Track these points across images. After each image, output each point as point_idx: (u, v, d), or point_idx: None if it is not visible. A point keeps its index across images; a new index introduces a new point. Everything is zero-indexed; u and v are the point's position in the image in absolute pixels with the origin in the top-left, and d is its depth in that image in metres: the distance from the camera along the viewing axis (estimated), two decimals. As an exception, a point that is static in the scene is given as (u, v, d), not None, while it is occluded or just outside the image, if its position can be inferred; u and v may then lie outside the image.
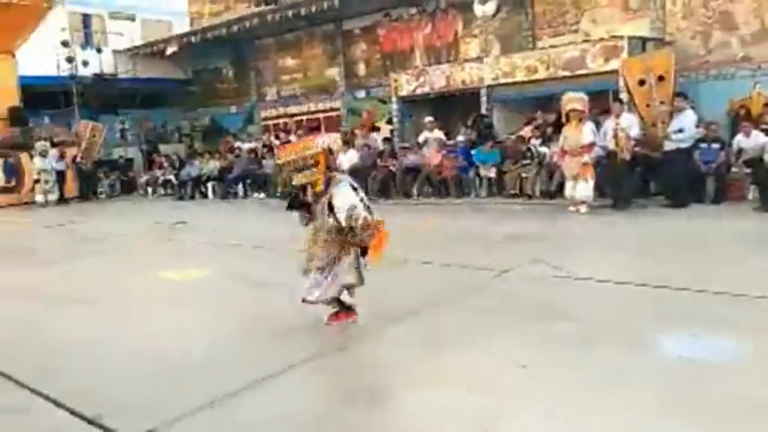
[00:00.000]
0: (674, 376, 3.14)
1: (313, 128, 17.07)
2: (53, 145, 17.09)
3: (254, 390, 3.32)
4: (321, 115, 17.57)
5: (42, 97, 18.10)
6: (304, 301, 4.31)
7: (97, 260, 7.89)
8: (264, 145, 16.57)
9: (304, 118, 17.60)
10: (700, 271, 5.18)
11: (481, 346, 3.79)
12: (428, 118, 12.82)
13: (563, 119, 9.00)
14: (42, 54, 17.29)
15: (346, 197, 4.08)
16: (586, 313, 4.29)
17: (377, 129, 14.87)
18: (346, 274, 4.21)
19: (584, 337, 3.78)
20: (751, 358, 3.36)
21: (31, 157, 16.29)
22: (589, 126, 8.77)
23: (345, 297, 4.33)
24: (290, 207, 4.34)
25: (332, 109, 17.30)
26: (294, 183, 4.16)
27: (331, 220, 4.09)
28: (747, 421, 2.67)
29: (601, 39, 11.28)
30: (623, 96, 9.73)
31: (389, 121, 14.75)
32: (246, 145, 16.85)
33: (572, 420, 2.77)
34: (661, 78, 9.24)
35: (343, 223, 4.03)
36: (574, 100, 8.77)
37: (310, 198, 4.21)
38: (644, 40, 10.99)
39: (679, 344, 3.58)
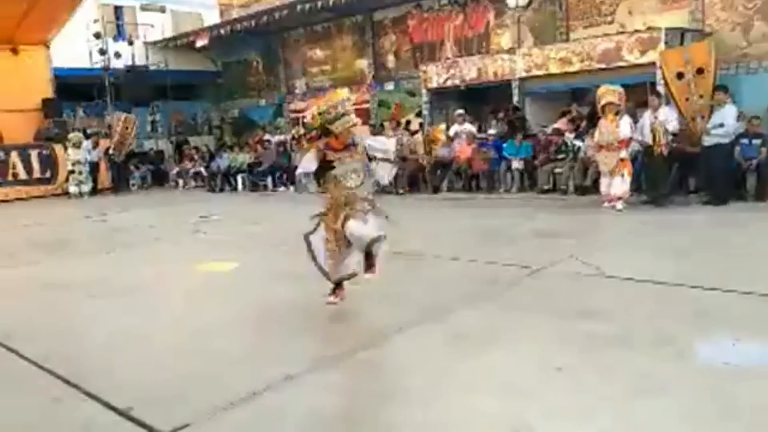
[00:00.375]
0: (715, 384, 3.01)
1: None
2: (87, 136, 17.36)
3: (285, 386, 3.29)
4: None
5: (75, 89, 18.38)
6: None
7: (130, 252, 7.97)
8: (293, 138, 16.57)
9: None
10: (740, 271, 5.00)
11: (513, 346, 3.70)
12: (458, 111, 12.67)
13: (599, 112, 8.79)
14: (75, 46, 17.54)
15: (379, 140, 4.44)
16: (621, 314, 4.16)
17: (408, 122, 14.75)
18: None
19: (621, 339, 3.66)
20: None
21: (66, 148, 16.55)
22: (626, 120, 8.55)
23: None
24: (317, 175, 4.34)
25: (361, 102, 17.22)
26: (336, 128, 4.18)
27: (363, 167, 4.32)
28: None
29: (638, 30, 10.99)
30: (661, 89, 9.47)
31: (419, 114, 14.63)
32: (275, 138, 16.89)
33: (609, 426, 2.68)
34: (700, 71, 8.95)
35: (392, 156, 4.39)
36: (609, 93, 8.56)
37: (335, 156, 4.28)
38: (683, 32, 10.68)
39: (719, 349, 3.44)
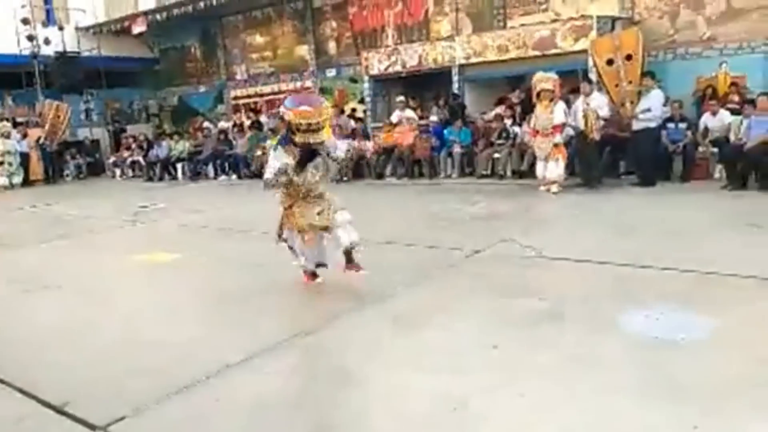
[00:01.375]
0: (644, 356, 3.20)
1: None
2: (16, 125, 16.62)
3: (227, 373, 3.31)
4: (284, 96, 17.29)
5: (3, 77, 17.48)
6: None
7: (65, 244, 7.74)
8: (234, 125, 16.35)
9: (275, 97, 17.36)
10: (668, 249, 5.27)
11: (452, 326, 3.82)
12: (399, 98, 12.76)
13: (534, 99, 9.04)
14: (1, 32, 16.69)
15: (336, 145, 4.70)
16: (556, 293, 4.35)
17: (353, 110, 14.74)
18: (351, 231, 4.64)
19: (555, 317, 3.83)
20: (720, 336, 3.42)
21: (-7, 138, 15.81)
22: (560, 106, 8.83)
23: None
24: (303, 163, 4.46)
25: (303, 88, 17.08)
26: (312, 142, 4.35)
27: (326, 168, 4.62)
28: (720, 399, 2.71)
29: (571, 18, 11.30)
30: (592, 76, 9.79)
31: (361, 101, 14.65)
32: (219, 125, 16.61)
33: (544, 400, 2.82)
34: (629, 57, 9.31)
35: (342, 156, 4.69)
36: (544, 80, 8.81)
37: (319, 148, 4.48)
38: (613, 20, 11.04)
39: (648, 323, 3.63)
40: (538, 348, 3.39)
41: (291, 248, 4.86)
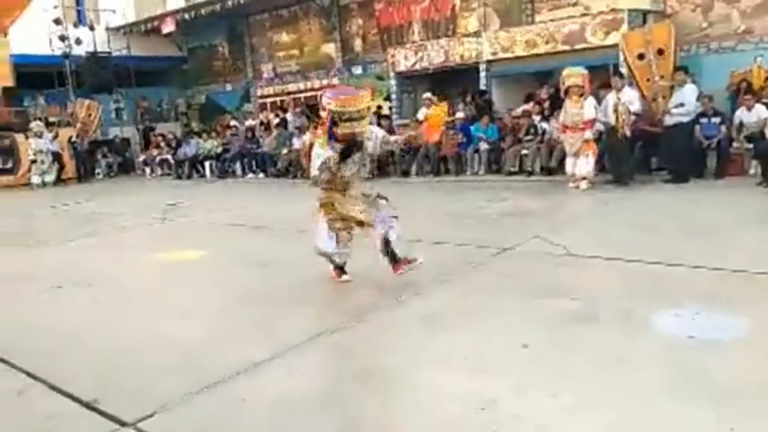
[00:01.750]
0: (679, 356, 3.10)
1: (311, 106, 16.94)
2: (48, 125, 16.96)
3: (255, 371, 3.30)
4: (318, 93, 17.38)
5: (36, 77, 17.87)
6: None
7: (95, 242, 7.84)
8: (261, 123, 16.44)
9: (302, 96, 17.42)
10: (702, 247, 5.14)
11: (482, 325, 3.76)
12: (426, 95, 12.66)
13: (563, 94, 8.90)
14: (34, 32, 17.01)
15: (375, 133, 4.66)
16: (587, 291, 4.25)
17: (379, 107, 14.71)
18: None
19: (586, 316, 3.75)
20: (755, 336, 3.32)
21: (27, 138, 16.15)
22: (590, 101, 8.67)
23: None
24: (346, 154, 4.44)
25: (329, 86, 17.10)
26: (357, 131, 4.35)
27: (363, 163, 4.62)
28: (757, 400, 2.63)
29: (601, 12, 11.11)
30: (623, 70, 9.61)
31: (387, 98, 14.60)
32: (244, 124, 16.72)
33: (576, 401, 2.74)
34: (660, 52, 9.13)
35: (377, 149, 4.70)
36: (574, 75, 8.67)
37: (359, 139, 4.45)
38: (644, 13, 10.83)
39: (682, 323, 3.53)
40: (570, 348, 3.32)
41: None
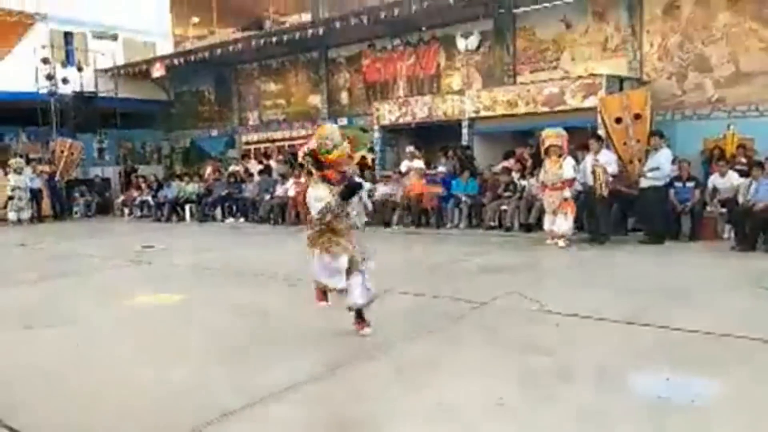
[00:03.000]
0: (650, 417, 3.12)
1: (294, 154, 17.08)
2: (29, 162, 16.85)
3: (225, 422, 3.23)
4: (302, 141, 17.56)
5: (20, 114, 17.84)
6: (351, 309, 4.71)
7: (69, 282, 7.71)
8: (245, 170, 16.51)
9: (286, 144, 17.59)
10: (675, 308, 5.21)
11: (458, 379, 3.75)
12: (409, 148, 12.89)
13: (543, 154, 9.11)
14: (21, 69, 17.09)
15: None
16: (561, 348, 4.27)
17: (363, 158, 14.91)
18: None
19: (562, 374, 3.75)
20: (729, 399, 3.35)
21: (6, 174, 16.00)
22: (569, 161, 8.88)
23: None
24: (346, 195, 4.45)
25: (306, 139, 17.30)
26: (331, 158, 4.41)
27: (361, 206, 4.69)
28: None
29: (580, 76, 11.51)
30: (601, 132, 9.89)
31: (371, 150, 14.81)
32: (228, 169, 16.76)
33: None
34: (637, 116, 9.42)
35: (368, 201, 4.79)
36: (552, 136, 8.90)
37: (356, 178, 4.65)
38: (621, 79, 11.24)
39: (654, 383, 3.56)
40: (545, 404, 3.31)
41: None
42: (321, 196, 4.38)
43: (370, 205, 4.87)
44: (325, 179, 4.45)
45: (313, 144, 4.45)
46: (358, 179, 4.77)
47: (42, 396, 3.72)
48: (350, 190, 4.43)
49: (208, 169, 16.89)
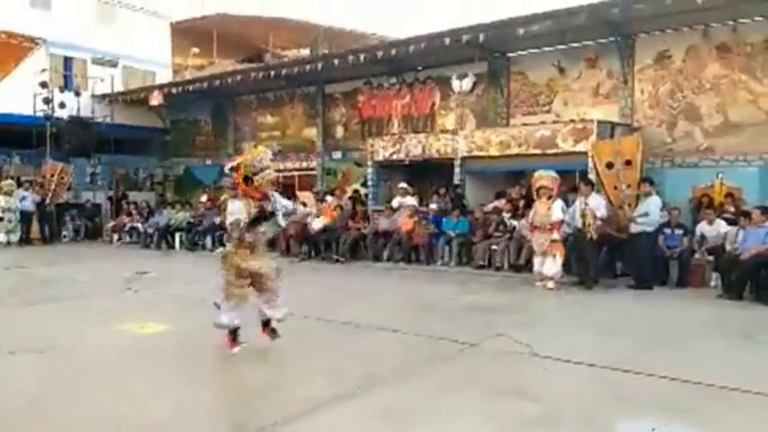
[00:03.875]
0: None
1: (288, 185, 17.13)
2: (20, 185, 16.80)
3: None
4: (297, 173, 17.67)
5: (14, 136, 17.85)
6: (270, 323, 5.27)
7: (54, 307, 7.64)
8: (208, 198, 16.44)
9: (280, 175, 17.62)
10: (663, 356, 5.23)
11: (444, 423, 3.72)
12: (402, 185, 12.98)
13: (534, 195, 9.20)
14: (18, 92, 17.17)
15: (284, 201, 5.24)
16: (549, 394, 4.26)
17: (356, 191, 14.98)
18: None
19: (548, 420, 3.74)
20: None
21: (-3, 196, 15.92)
22: (558, 204, 8.96)
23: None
24: (256, 221, 4.90)
25: (308, 169, 17.42)
26: (257, 180, 4.83)
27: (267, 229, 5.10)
28: None
29: (572, 121, 11.70)
30: (592, 177, 10.01)
31: (363, 184, 14.90)
32: (222, 197, 16.71)
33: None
34: (628, 162, 9.57)
35: (282, 222, 5.17)
36: (543, 178, 9.00)
37: (268, 208, 4.95)
38: (613, 125, 11.44)
39: (640, 432, 3.56)
40: (530, 453, 3.29)
41: (218, 306, 5.13)
42: (234, 211, 4.81)
43: (283, 224, 5.31)
44: (246, 195, 4.85)
45: (240, 159, 4.88)
46: (281, 202, 5.17)
47: (15, 425, 3.64)
48: (258, 218, 4.86)
49: (203, 197, 16.85)
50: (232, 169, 4.92)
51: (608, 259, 9.72)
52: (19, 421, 3.74)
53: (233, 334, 5.12)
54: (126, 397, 4.20)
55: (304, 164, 17.46)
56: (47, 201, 16.83)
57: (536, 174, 9.20)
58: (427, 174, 13.83)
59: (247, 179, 4.79)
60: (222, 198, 5.30)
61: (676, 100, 11.60)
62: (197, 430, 3.60)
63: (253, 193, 4.83)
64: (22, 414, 3.86)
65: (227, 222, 4.90)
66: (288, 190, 16.71)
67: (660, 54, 11.76)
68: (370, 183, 14.33)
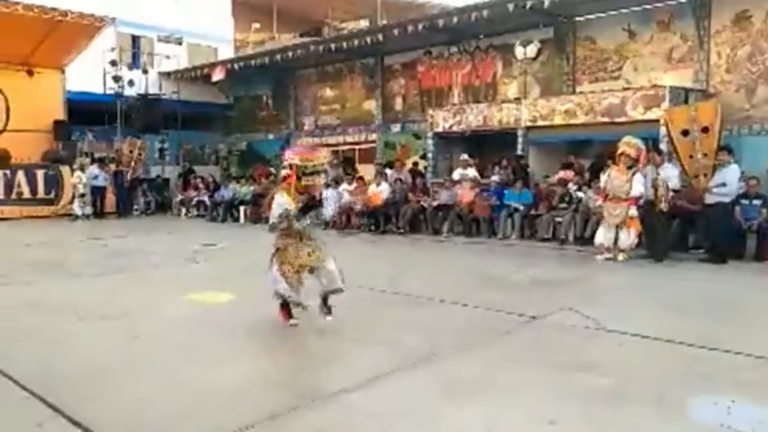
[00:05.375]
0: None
1: (348, 158, 17.20)
2: (93, 160, 17.53)
3: (272, 424, 3.24)
4: (356, 147, 17.71)
5: (87, 113, 18.63)
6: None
7: (126, 276, 7.96)
8: (283, 178, 16.64)
9: (340, 149, 17.73)
10: (737, 331, 4.97)
11: (506, 396, 3.66)
12: (463, 156, 12.79)
13: (614, 160, 8.77)
14: (90, 71, 17.83)
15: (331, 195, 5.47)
16: (616, 368, 4.12)
17: (415, 164, 14.89)
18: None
19: (615, 394, 3.62)
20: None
21: (72, 171, 16.69)
22: (639, 177, 8.49)
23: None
24: (305, 209, 5.00)
25: (368, 141, 17.42)
26: (307, 180, 4.94)
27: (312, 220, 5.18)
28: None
29: (642, 87, 11.17)
30: (664, 146, 9.56)
31: (423, 157, 14.77)
32: (281, 172, 16.96)
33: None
34: (705, 129, 9.04)
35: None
36: (629, 145, 8.55)
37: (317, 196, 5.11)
38: (686, 91, 10.86)
39: (716, 410, 3.39)
40: (599, 427, 3.20)
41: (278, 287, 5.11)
42: (283, 203, 4.90)
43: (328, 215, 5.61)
44: (295, 189, 4.95)
45: (297, 161, 4.93)
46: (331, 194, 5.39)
47: (95, 388, 3.81)
48: (309, 207, 5.00)
49: (256, 173, 17.17)
50: (288, 165, 5.04)
51: (680, 231, 9.30)
52: (95, 385, 3.91)
53: (287, 307, 5.16)
54: (197, 362, 4.32)
55: (364, 137, 17.45)
56: (126, 176, 17.51)
57: (624, 138, 8.72)
58: (488, 145, 13.57)
59: (299, 178, 4.93)
60: (270, 192, 5.39)
61: (756, 63, 10.89)
62: (265, 395, 3.67)
63: (300, 190, 4.96)
64: (98, 375, 4.03)
65: (272, 216, 4.97)
66: (348, 163, 16.81)
67: (739, 15, 11.03)
68: (429, 155, 14.19)
